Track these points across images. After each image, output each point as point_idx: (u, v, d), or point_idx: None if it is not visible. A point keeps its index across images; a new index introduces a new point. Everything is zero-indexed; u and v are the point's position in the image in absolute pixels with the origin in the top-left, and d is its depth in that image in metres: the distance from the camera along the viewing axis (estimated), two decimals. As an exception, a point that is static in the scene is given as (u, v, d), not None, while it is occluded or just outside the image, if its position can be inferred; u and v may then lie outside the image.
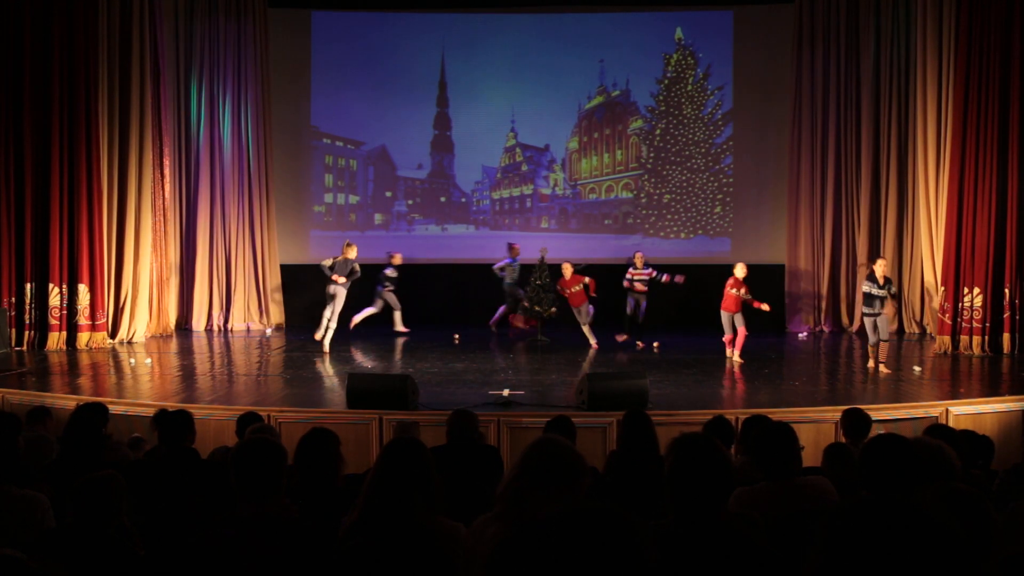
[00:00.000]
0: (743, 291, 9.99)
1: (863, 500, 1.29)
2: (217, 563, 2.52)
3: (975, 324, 10.46)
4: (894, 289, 9.55)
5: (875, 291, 9.23)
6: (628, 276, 11.60)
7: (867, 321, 9.42)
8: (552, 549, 1.13)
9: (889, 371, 9.23)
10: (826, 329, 13.27)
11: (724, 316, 10.13)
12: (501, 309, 12.63)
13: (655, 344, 11.27)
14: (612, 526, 1.17)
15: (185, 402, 7.34)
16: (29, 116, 10.79)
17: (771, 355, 10.80)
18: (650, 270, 11.52)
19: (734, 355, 10.10)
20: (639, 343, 11.35)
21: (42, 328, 11.01)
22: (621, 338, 11.58)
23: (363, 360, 10.48)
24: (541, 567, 1.12)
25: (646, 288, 11.53)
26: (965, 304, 10.51)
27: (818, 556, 1.28)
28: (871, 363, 9.47)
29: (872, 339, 9.36)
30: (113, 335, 11.57)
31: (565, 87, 14.28)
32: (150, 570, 3.04)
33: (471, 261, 13.76)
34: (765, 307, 10.03)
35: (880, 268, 9.36)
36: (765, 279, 13.07)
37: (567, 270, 11.46)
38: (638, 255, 11.79)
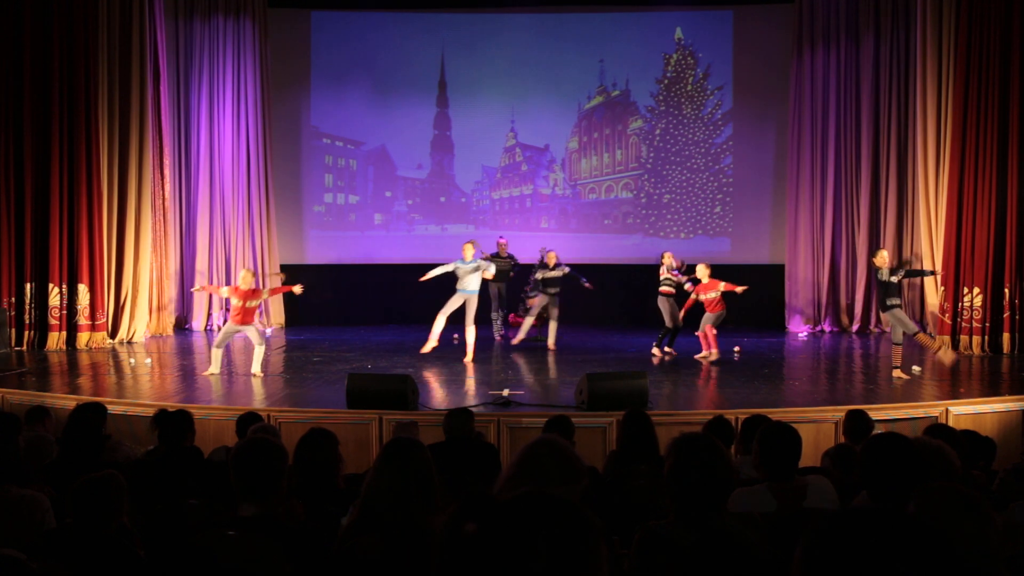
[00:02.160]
0: (708, 292, 9.94)
1: (847, 511, 1.28)
2: (217, 563, 2.51)
3: (975, 324, 10.46)
4: (901, 273, 9.03)
5: (891, 278, 8.81)
6: (667, 277, 10.50)
7: (889, 316, 8.98)
8: (503, 535, 1.12)
9: (905, 376, 8.72)
10: (826, 329, 13.27)
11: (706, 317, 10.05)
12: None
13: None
14: (562, 515, 1.16)
15: (185, 402, 7.33)
16: (29, 116, 10.78)
17: (771, 355, 10.79)
18: (676, 272, 10.51)
19: (709, 354, 9.92)
20: (659, 352, 10.38)
21: (42, 328, 11.01)
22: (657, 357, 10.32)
23: (363, 360, 10.48)
24: (488, 550, 1.12)
25: (672, 290, 10.44)
26: (965, 304, 10.51)
27: (799, 566, 1.28)
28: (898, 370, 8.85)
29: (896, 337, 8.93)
30: (113, 335, 11.56)
31: (565, 87, 14.27)
32: (150, 570, 3.04)
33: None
34: (738, 290, 9.91)
35: (883, 259, 9.04)
36: (765, 279, 13.08)
37: (246, 280, 9.15)
38: (667, 255, 10.74)
